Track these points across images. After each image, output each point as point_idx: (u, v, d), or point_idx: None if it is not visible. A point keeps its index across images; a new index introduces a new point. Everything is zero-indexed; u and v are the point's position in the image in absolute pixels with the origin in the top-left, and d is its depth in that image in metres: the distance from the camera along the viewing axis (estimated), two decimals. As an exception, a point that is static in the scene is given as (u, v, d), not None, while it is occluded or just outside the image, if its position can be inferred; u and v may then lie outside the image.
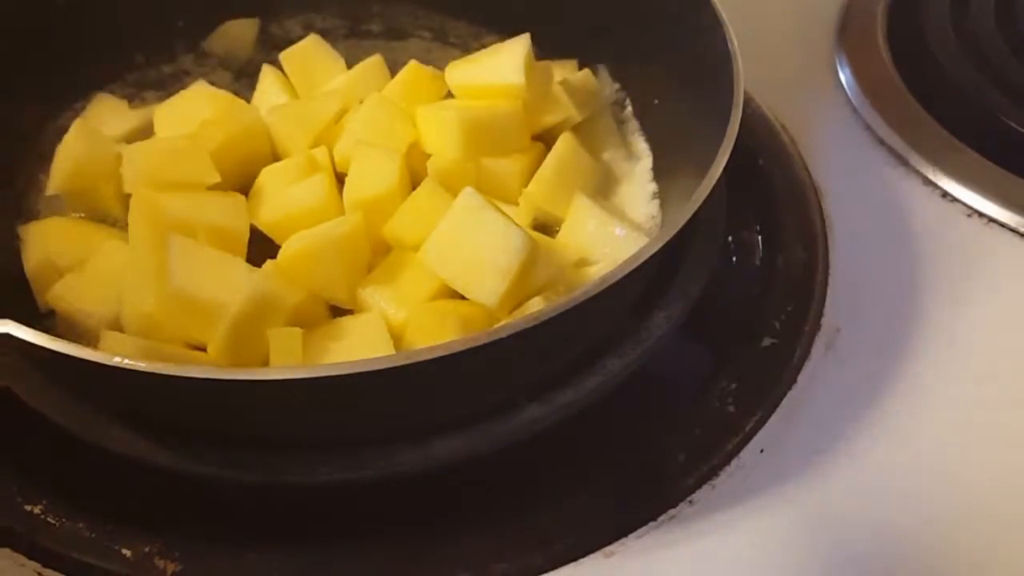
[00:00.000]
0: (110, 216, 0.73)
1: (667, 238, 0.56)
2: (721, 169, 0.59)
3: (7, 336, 0.50)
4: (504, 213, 0.64)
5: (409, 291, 0.65)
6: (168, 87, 0.83)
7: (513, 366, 0.58)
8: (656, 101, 0.78)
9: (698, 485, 0.61)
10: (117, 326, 0.64)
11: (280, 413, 0.55)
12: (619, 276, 0.53)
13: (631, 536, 0.59)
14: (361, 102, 0.76)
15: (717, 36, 0.67)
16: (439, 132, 0.73)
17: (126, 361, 0.49)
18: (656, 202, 0.74)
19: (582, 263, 0.70)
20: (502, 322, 0.53)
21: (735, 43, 0.66)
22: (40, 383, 0.61)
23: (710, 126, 0.63)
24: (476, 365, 0.53)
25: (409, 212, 0.68)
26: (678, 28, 0.73)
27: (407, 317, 0.64)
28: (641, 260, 0.55)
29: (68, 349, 0.50)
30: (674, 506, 0.60)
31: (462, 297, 0.64)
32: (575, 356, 0.61)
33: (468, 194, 0.64)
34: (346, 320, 0.65)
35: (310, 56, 0.82)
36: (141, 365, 0.49)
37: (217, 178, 0.69)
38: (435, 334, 0.61)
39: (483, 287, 0.63)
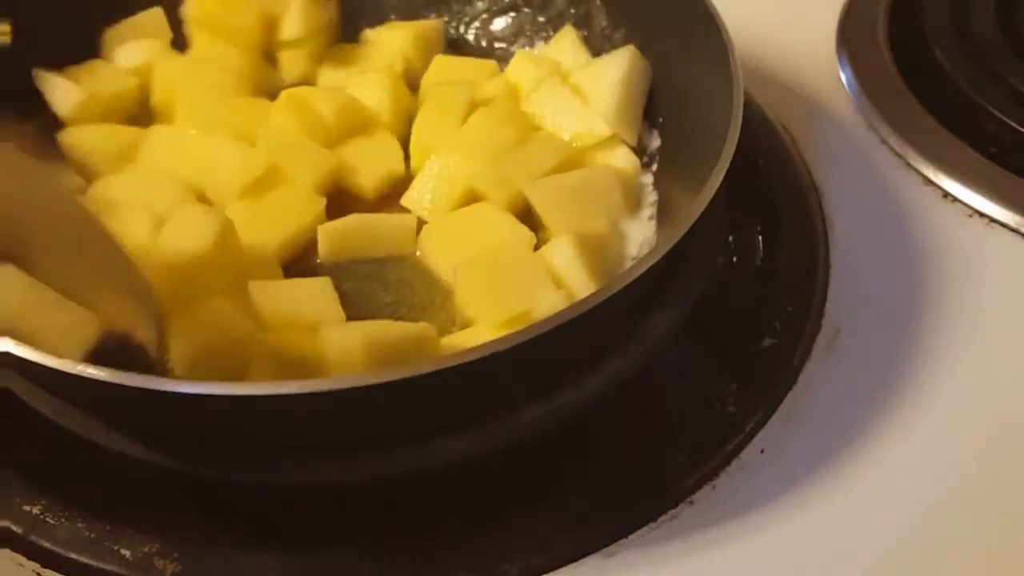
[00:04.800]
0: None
1: (668, 247, 0.56)
2: (723, 174, 0.59)
3: (5, 354, 0.50)
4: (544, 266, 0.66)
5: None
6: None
7: (510, 374, 0.58)
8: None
9: (698, 485, 0.61)
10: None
11: (274, 421, 0.55)
12: (620, 287, 0.53)
13: (631, 536, 0.58)
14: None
15: (717, 36, 0.67)
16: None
17: (123, 376, 0.49)
18: (656, 199, 0.74)
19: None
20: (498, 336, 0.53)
21: (734, 43, 0.66)
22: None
23: (710, 127, 0.63)
24: (474, 376, 0.52)
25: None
26: (677, 29, 0.73)
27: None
28: (641, 271, 0.55)
29: (65, 366, 0.49)
30: (674, 506, 0.60)
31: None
32: (575, 358, 0.61)
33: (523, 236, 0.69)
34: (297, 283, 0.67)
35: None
36: (140, 382, 0.49)
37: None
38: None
39: (490, 311, 0.64)
